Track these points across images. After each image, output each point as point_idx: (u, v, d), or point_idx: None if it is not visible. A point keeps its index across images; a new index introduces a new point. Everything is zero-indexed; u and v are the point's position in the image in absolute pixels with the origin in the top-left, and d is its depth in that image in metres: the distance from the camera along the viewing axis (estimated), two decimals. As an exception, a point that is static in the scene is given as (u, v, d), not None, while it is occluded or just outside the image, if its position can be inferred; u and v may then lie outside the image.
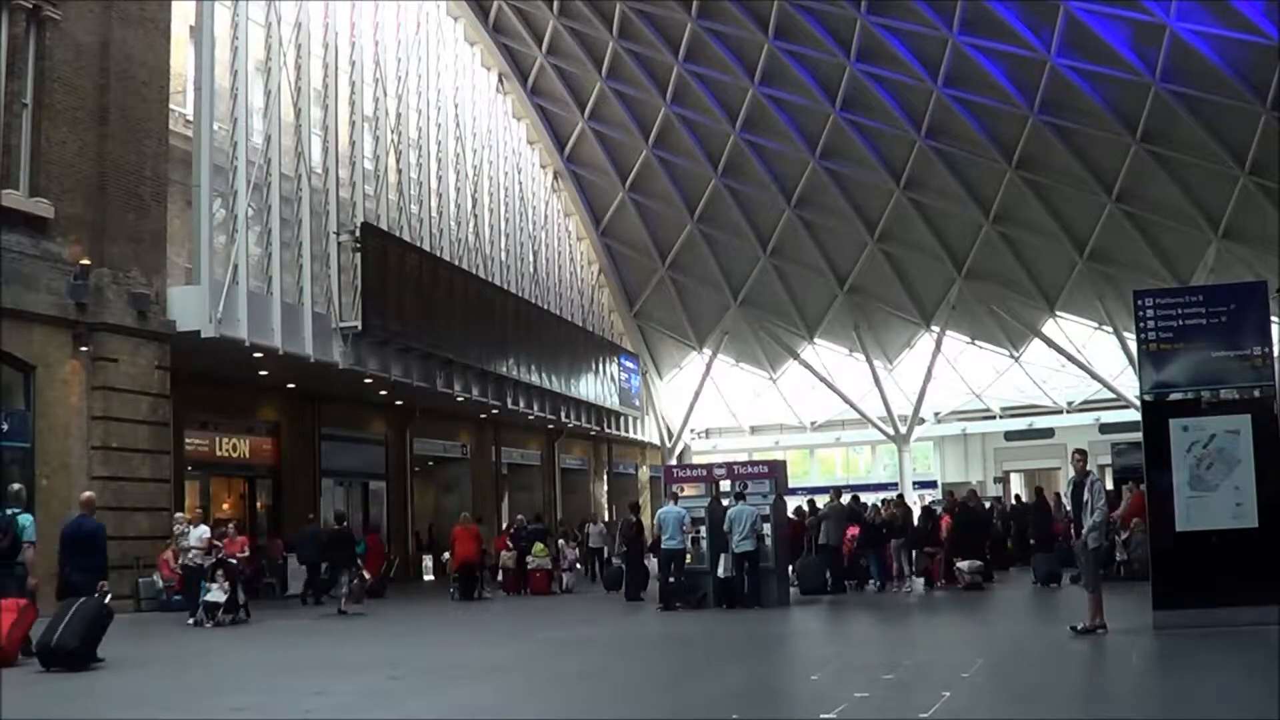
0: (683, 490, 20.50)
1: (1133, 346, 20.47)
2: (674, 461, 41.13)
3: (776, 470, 19.93)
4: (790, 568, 20.56)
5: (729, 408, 45.64)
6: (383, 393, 27.55)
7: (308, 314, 23.30)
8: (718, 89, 37.27)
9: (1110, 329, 36.96)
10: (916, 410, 41.28)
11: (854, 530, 22.05)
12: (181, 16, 21.48)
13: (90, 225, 18.61)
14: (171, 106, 21.07)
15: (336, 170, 25.43)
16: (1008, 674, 10.96)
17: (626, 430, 42.46)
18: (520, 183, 38.13)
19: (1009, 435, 43.56)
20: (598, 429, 39.68)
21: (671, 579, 19.06)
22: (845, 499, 23.54)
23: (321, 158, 25.01)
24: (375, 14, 28.52)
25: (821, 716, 8.38)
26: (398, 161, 28.91)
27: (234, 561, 17.67)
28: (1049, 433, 41.75)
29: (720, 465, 21.29)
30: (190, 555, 17.64)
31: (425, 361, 27.08)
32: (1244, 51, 29.03)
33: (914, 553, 21.90)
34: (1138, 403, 14.72)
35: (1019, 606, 18.91)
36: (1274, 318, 15.97)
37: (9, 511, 12.54)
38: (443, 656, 13.51)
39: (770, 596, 18.54)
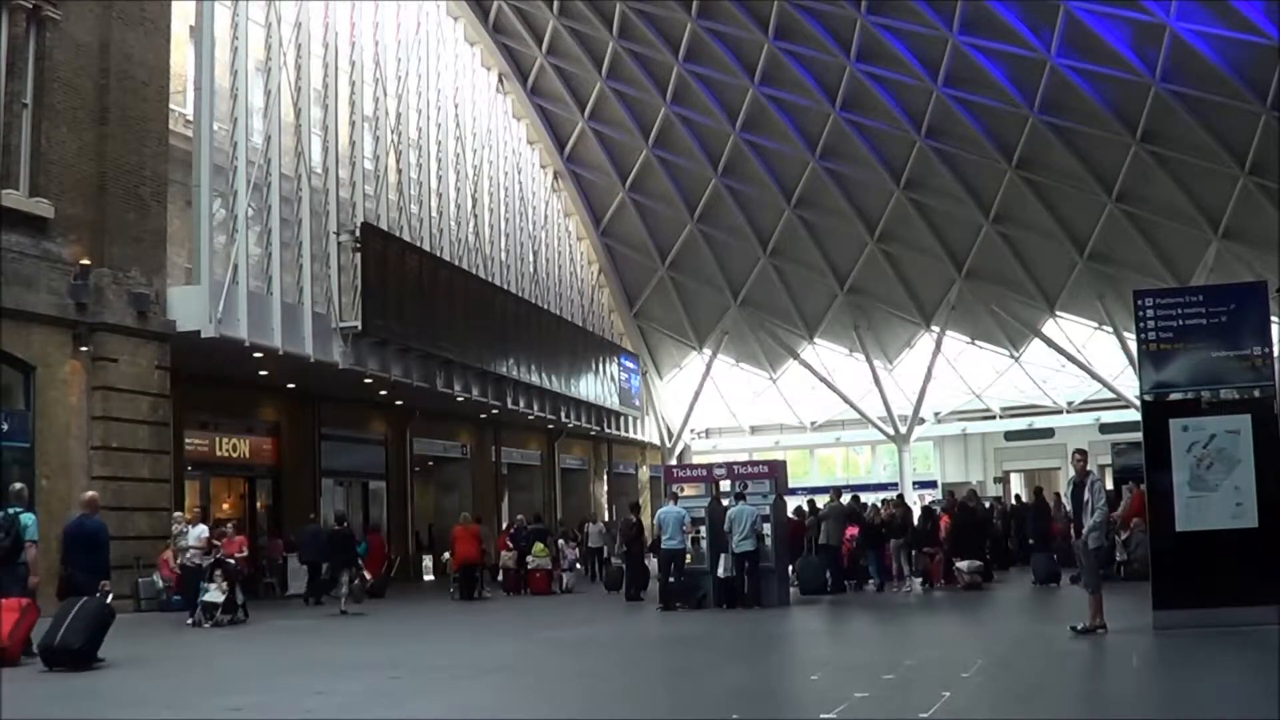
0: (683, 490, 20.50)
1: (1133, 346, 20.47)
2: (674, 461, 41.14)
3: (776, 470, 19.92)
4: (790, 568, 20.56)
5: (729, 408, 45.64)
6: (383, 393, 27.55)
7: (308, 314, 23.29)
8: (718, 89, 37.27)
9: (1110, 329, 36.96)
10: (916, 410, 41.28)
11: (853, 530, 22.06)
12: (181, 16, 21.47)
13: (90, 225, 18.61)
14: (171, 106, 21.06)
15: (336, 170, 25.43)
16: (1008, 674, 10.96)
17: (626, 430, 42.46)
18: (520, 183, 38.14)
19: (1009, 435, 43.56)
20: (598, 429, 39.68)
21: (671, 579, 19.07)
22: (845, 499, 23.55)
23: (321, 158, 25.01)
24: (375, 14, 28.51)
25: (821, 716, 8.38)
26: (398, 161, 28.91)
27: (232, 561, 17.67)
28: (1049, 433, 41.75)
29: (720, 465, 21.29)
30: (188, 555, 17.64)
31: (425, 361, 27.08)
32: (1244, 51, 29.03)
33: (913, 553, 21.90)
34: (1138, 403, 14.72)
35: (1018, 606, 18.92)
36: (1274, 318, 15.97)
37: (11, 511, 12.55)
38: (443, 656, 13.50)
39: (770, 596, 18.54)
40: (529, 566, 24.53)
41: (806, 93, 36.07)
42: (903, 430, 41.69)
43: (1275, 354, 13.53)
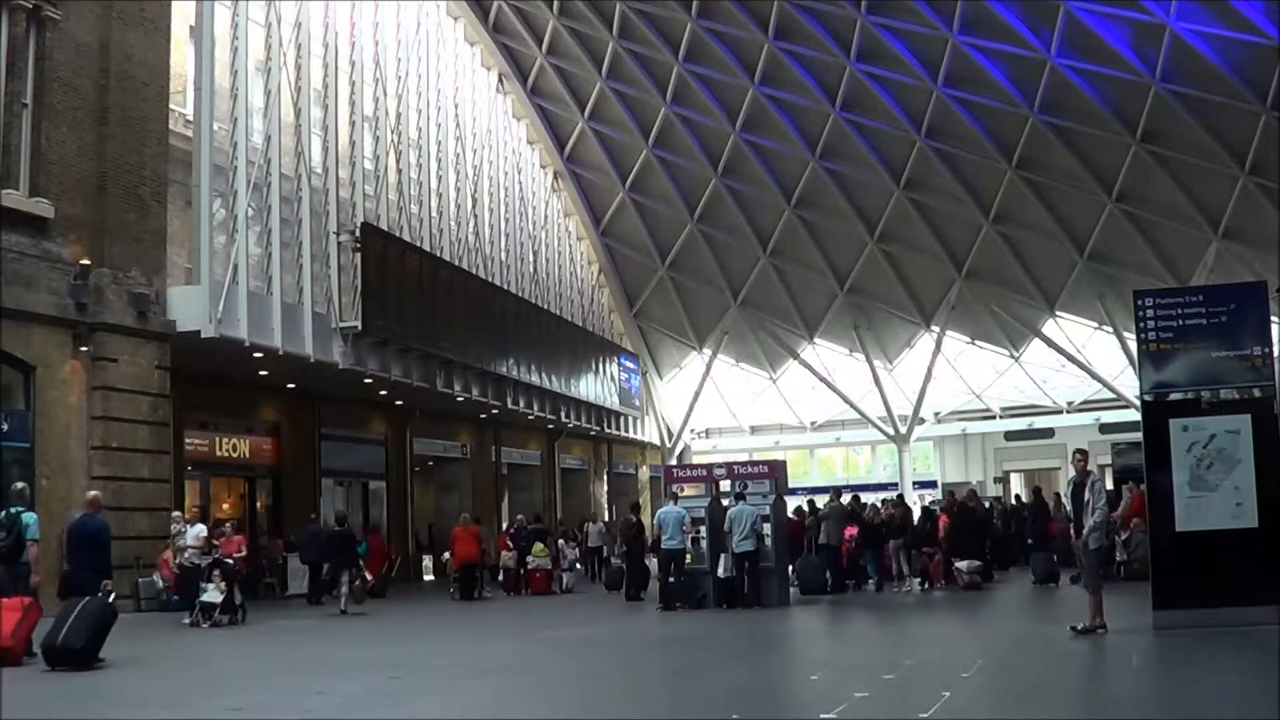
0: (683, 490, 20.50)
1: (1133, 346, 20.47)
2: (674, 461, 41.14)
3: (776, 470, 19.92)
4: (790, 568, 20.56)
5: (729, 408, 45.64)
6: (383, 393, 27.55)
7: (308, 314, 23.29)
8: (718, 89, 37.27)
9: (1110, 329, 36.96)
10: (916, 410, 41.28)
11: (852, 530, 22.06)
12: (181, 16, 21.47)
13: (90, 225, 18.61)
14: (171, 106, 21.06)
15: (336, 170, 25.43)
16: (1008, 674, 10.96)
17: (626, 430, 42.46)
18: (520, 183, 38.14)
19: (1009, 435, 43.57)
20: (598, 429, 39.69)
21: (671, 579, 19.07)
22: (845, 499, 23.54)
23: (321, 158, 25.01)
24: (375, 14, 28.51)
25: (821, 716, 8.38)
26: (398, 161, 28.91)
27: (230, 562, 17.65)
28: (1049, 433, 41.76)
29: (720, 465, 21.29)
30: (186, 555, 17.62)
31: (425, 361, 27.08)
32: (1244, 51, 29.03)
33: (912, 553, 21.89)
34: (1138, 403, 14.72)
35: (1018, 606, 18.92)
36: (1274, 318, 15.97)
37: (13, 510, 12.58)
38: (443, 656, 13.50)
39: (770, 596, 18.54)
40: (529, 566, 24.53)
41: (806, 93, 36.08)
42: (903, 430, 41.69)
43: (1275, 354, 13.53)
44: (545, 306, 37.03)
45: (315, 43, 25.11)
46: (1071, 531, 14.56)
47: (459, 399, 29.43)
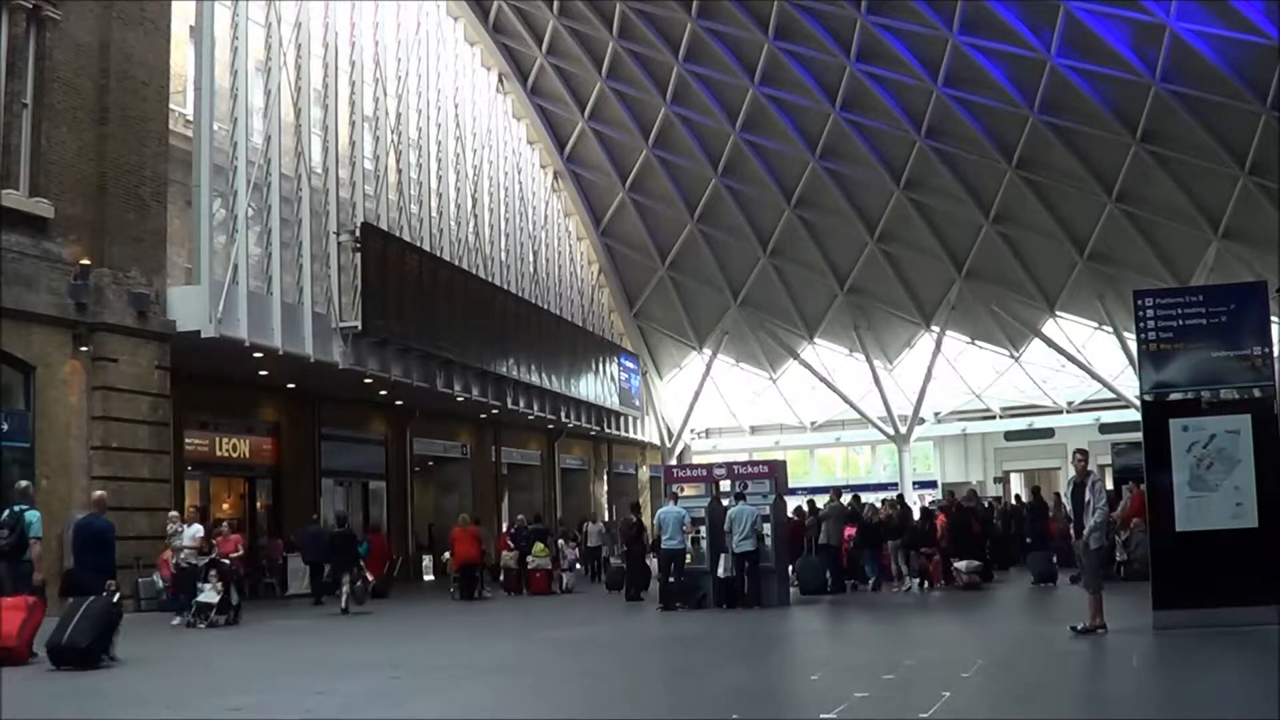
0: (683, 490, 20.50)
1: (1133, 346, 20.47)
2: (674, 461, 41.14)
3: (776, 470, 19.93)
4: (790, 568, 20.56)
5: (729, 408, 45.64)
6: (383, 393, 27.55)
7: (308, 314, 23.29)
8: (718, 89, 37.27)
9: (1110, 329, 36.96)
10: (916, 410, 41.27)
11: (852, 530, 22.06)
12: (181, 16, 21.46)
13: (90, 225, 18.60)
14: (171, 106, 21.05)
15: (336, 170, 25.43)
16: (1008, 674, 10.96)
17: (626, 430, 42.46)
18: (520, 183, 38.14)
19: (1009, 435, 43.56)
20: (598, 429, 39.69)
21: (671, 579, 19.07)
22: (845, 499, 23.54)
23: (321, 158, 25.01)
24: (375, 14, 28.51)
25: (821, 716, 8.38)
26: (398, 161, 28.91)
27: (227, 561, 17.63)
28: (1049, 433, 41.75)
29: (720, 465, 21.30)
30: (183, 555, 17.61)
31: (425, 361, 27.08)
32: (1244, 51, 29.03)
33: (910, 553, 21.90)
34: (1138, 403, 14.72)
35: (1018, 606, 18.92)
36: (1274, 318, 15.97)
37: (16, 508, 12.61)
38: (443, 656, 13.51)
39: (770, 596, 18.55)
40: (529, 566, 24.53)
41: (806, 93, 36.08)
42: (903, 430, 41.69)
43: (1275, 354, 13.53)
44: (545, 306, 37.03)
45: (315, 43, 25.11)
46: (1071, 531, 14.56)
47: (459, 399, 29.43)
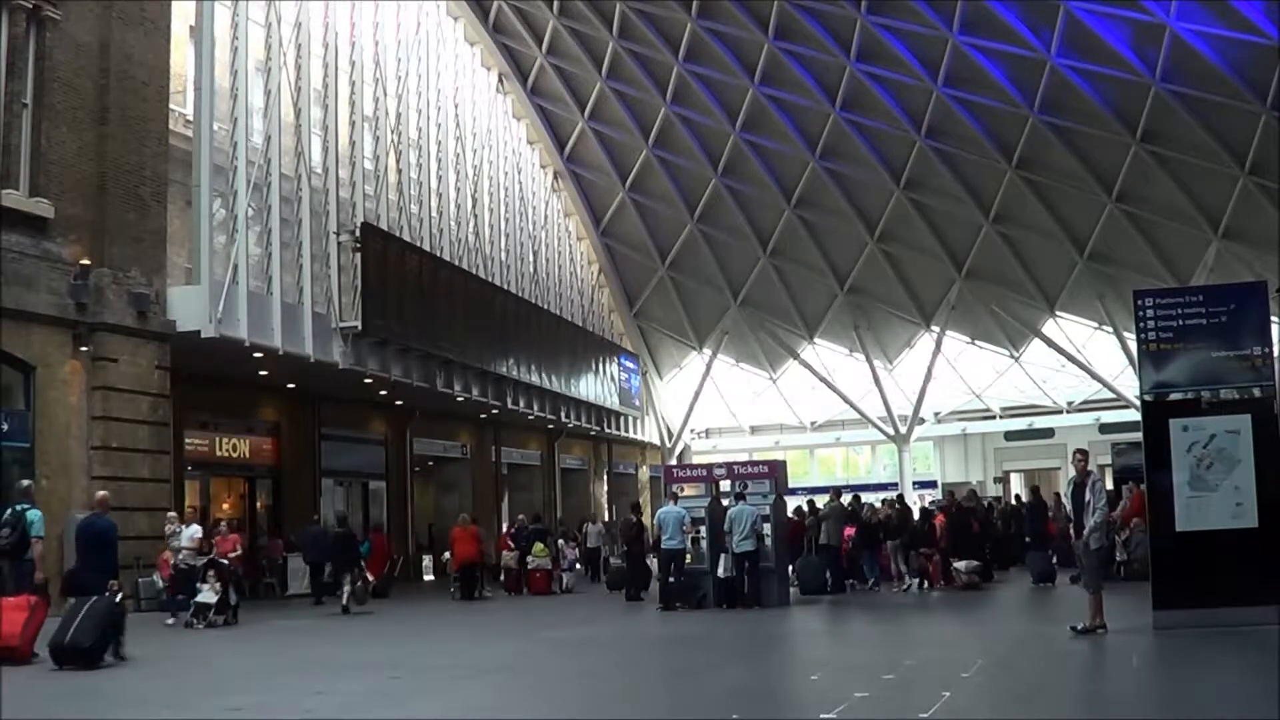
0: (683, 490, 20.50)
1: (1133, 346, 20.47)
2: (674, 461, 41.13)
3: (776, 470, 19.92)
4: (790, 568, 20.56)
5: (729, 408, 45.64)
6: (383, 393, 27.55)
7: (308, 314, 23.30)
8: (718, 89, 37.27)
9: (1110, 329, 36.96)
10: (916, 410, 41.27)
11: (851, 530, 22.05)
12: (181, 16, 21.47)
13: (90, 225, 18.60)
14: (171, 106, 21.06)
15: (336, 170, 25.43)
16: (1008, 674, 10.96)
17: (626, 430, 42.46)
18: (520, 183, 38.14)
19: (1009, 435, 43.56)
20: (598, 429, 39.69)
21: (671, 579, 19.07)
22: (845, 499, 23.54)
23: (321, 158, 25.01)
24: (375, 14, 28.51)
25: (821, 716, 8.38)
26: (398, 161, 28.91)
27: (225, 562, 17.62)
28: (1049, 433, 41.75)
29: (720, 465, 21.29)
30: (181, 556, 17.61)
31: (425, 361, 27.08)
32: (1244, 51, 29.03)
33: (909, 553, 21.90)
34: (1138, 403, 14.72)
35: (1018, 606, 18.92)
36: (1274, 318, 15.97)
37: (18, 507, 12.62)
38: (443, 656, 13.51)
39: (770, 596, 18.54)
40: (529, 566, 24.53)
41: (806, 93, 36.08)
42: (903, 430, 41.69)
43: (1275, 354, 13.53)
44: (545, 306, 37.03)
45: (315, 43, 25.12)
46: (1072, 532, 14.55)
47: (459, 399, 29.43)
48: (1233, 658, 11.11)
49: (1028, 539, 23.37)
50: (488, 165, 35.56)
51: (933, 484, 42.84)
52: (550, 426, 36.95)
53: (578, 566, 28.65)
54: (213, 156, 21.15)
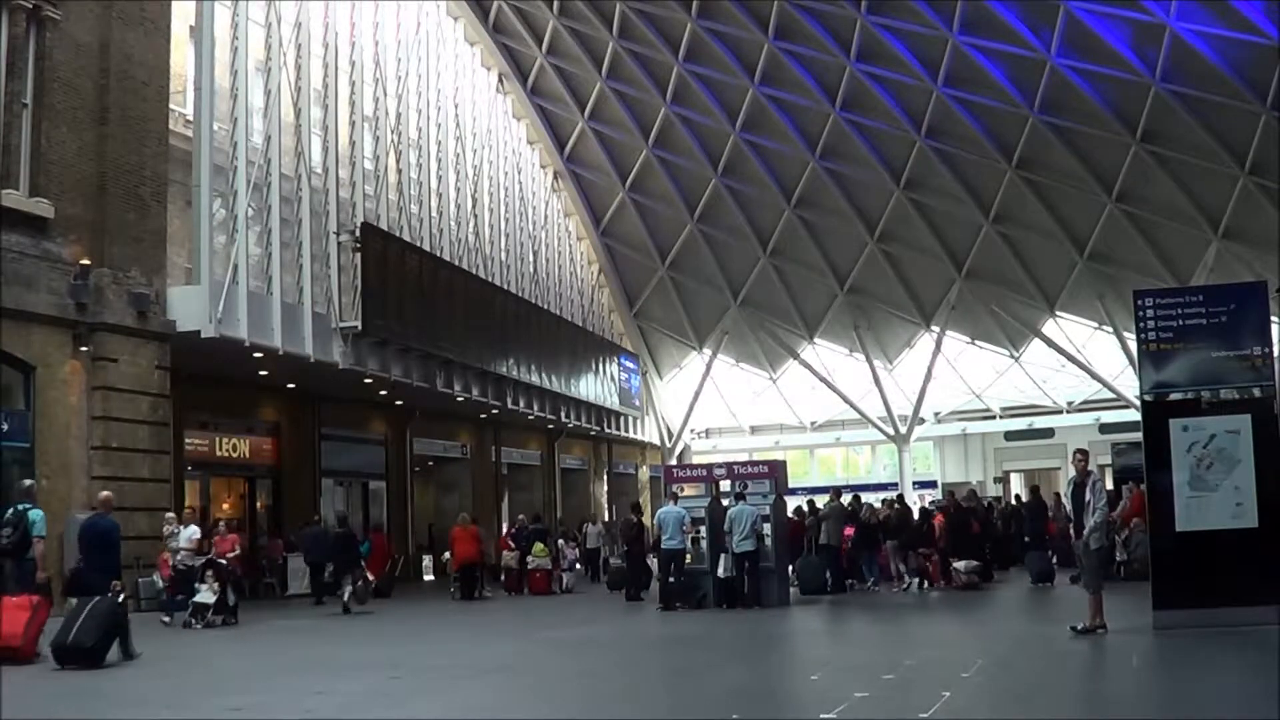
0: (683, 490, 20.50)
1: (1133, 346, 20.47)
2: (674, 461, 41.14)
3: (776, 470, 19.92)
4: (790, 568, 20.56)
5: (729, 408, 45.64)
6: (383, 393, 27.55)
7: (308, 314, 23.30)
8: (718, 89, 37.28)
9: (1110, 329, 36.96)
10: (916, 410, 41.28)
11: (850, 530, 22.05)
12: (181, 16, 21.47)
13: (90, 225, 18.61)
14: (171, 106, 21.06)
15: (336, 170, 25.44)
16: (1008, 674, 10.96)
17: (626, 430, 42.47)
18: (520, 183, 38.14)
19: (1009, 435, 43.57)
20: (598, 429, 39.69)
21: (671, 579, 19.07)
22: (845, 499, 23.53)
23: (321, 158, 25.01)
24: (375, 14, 28.51)
25: (821, 716, 8.38)
26: (398, 161, 28.92)
27: (223, 562, 17.61)
28: (1049, 433, 41.75)
29: (720, 465, 21.29)
30: (180, 557, 17.60)
31: (425, 361, 27.09)
32: (1244, 51, 29.03)
33: (909, 553, 21.89)
34: (1138, 403, 14.72)
35: (1017, 606, 18.91)
36: (1274, 318, 15.97)
37: (20, 507, 12.63)
38: (443, 656, 13.51)
39: (770, 596, 18.54)
40: (529, 566, 24.53)
41: (806, 93, 36.08)
42: (903, 430, 41.69)
43: (1275, 354, 13.53)
44: (545, 306, 37.04)
45: (315, 43, 25.12)
46: (1071, 532, 14.55)
47: (459, 399, 29.44)
48: (1233, 658, 11.11)
49: (1027, 539, 23.38)
50: (488, 165, 35.56)
51: (933, 484, 42.83)
52: (550, 426, 36.95)
53: (578, 566, 28.65)
54: (213, 156, 21.15)
